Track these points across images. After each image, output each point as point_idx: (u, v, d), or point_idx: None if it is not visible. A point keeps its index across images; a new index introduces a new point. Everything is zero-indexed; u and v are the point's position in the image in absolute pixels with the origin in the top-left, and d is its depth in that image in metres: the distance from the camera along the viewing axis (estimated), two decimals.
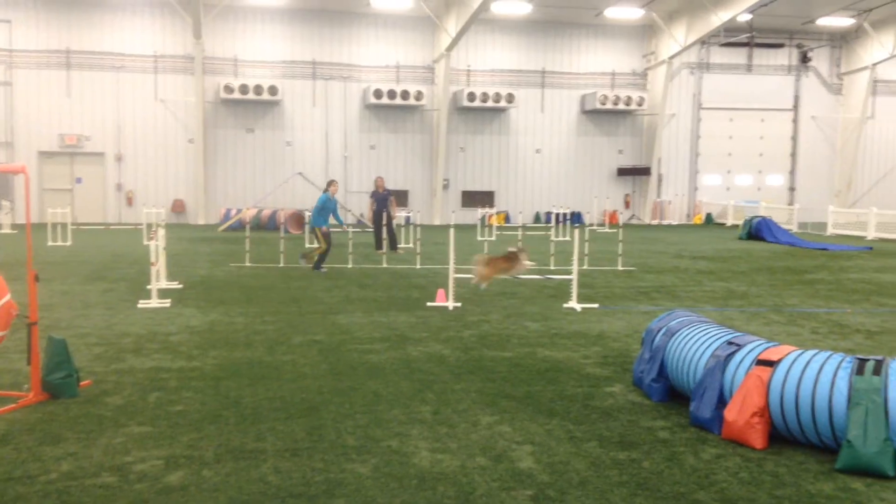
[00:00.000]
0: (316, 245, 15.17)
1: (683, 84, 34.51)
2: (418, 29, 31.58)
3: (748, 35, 33.61)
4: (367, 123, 31.82)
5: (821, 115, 35.85)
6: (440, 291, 11.35)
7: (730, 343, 5.77)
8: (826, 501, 4.44)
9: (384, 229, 18.47)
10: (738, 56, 34.77)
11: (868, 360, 5.01)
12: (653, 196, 34.24)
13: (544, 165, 33.61)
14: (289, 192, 30.56)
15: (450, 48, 29.82)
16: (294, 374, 7.09)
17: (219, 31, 29.96)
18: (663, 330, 6.58)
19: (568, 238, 20.88)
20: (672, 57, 32.06)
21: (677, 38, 31.34)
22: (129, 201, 30.02)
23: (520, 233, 18.54)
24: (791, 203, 33.99)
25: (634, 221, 34.14)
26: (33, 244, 6.73)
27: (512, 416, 5.91)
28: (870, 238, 25.17)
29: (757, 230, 24.31)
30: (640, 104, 32.67)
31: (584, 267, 15.31)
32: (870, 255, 19.95)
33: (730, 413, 5.38)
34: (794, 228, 27.94)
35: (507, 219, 32.54)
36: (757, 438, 5.24)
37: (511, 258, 11.73)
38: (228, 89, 29.24)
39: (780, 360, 5.32)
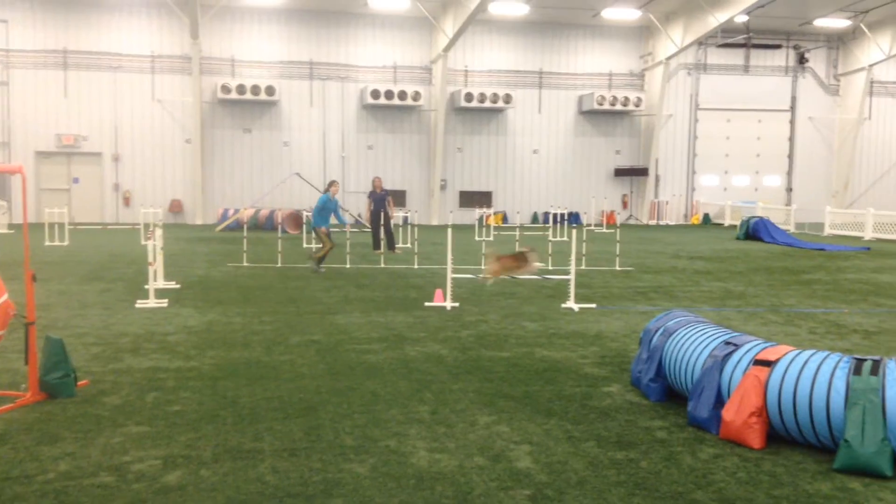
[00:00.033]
0: (321, 246, 15.21)
1: (681, 85, 34.54)
2: (415, 29, 31.58)
3: (745, 36, 33.66)
4: (364, 124, 31.82)
5: (818, 115, 35.92)
6: (438, 291, 11.35)
7: (727, 343, 5.77)
8: (824, 501, 4.45)
9: (382, 229, 18.48)
10: (735, 57, 34.81)
11: (865, 359, 5.02)
12: (650, 196, 34.27)
13: (542, 166, 33.62)
14: (286, 193, 30.53)
15: (447, 49, 29.83)
16: (292, 374, 7.08)
17: (216, 32, 29.93)
18: (661, 330, 6.59)
19: (566, 238, 20.89)
20: (669, 58, 32.09)
21: (674, 39, 31.38)
22: (127, 201, 29.98)
23: (517, 233, 18.55)
24: (788, 203, 34.06)
25: (632, 222, 34.17)
26: (30, 244, 6.72)
27: (510, 415, 5.91)
28: (867, 238, 25.22)
29: (754, 230, 24.35)
30: (637, 105, 32.70)
31: (582, 267, 15.33)
32: (867, 255, 19.98)
33: (727, 413, 5.39)
34: (791, 229, 27.96)
35: (504, 219, 32.55)
36: (755, 438, 5.24)
37: (521, 258, 11.82)
38: (226, 89, 29.22)
39: (777, 360, 5.33)
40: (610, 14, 31.30)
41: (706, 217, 34.35)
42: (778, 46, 34.92)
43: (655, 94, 33.02)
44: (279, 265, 15.61)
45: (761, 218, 25.15)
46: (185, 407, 6.01)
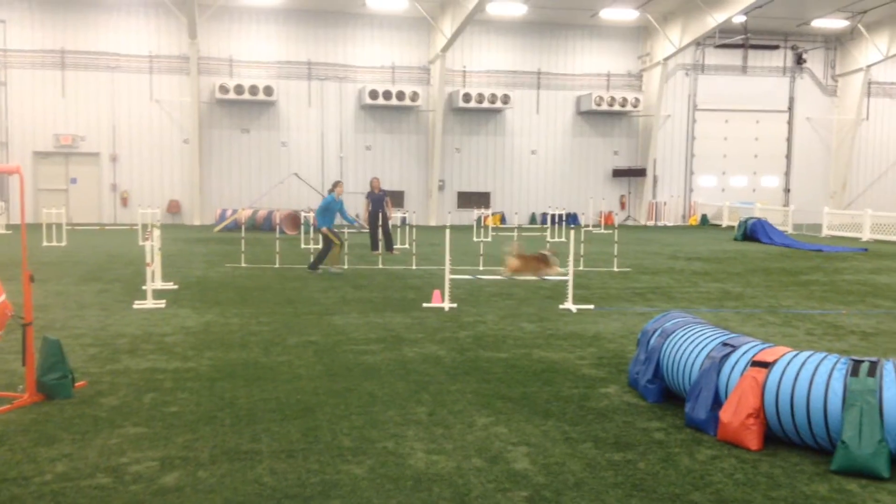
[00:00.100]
0: (321, 248, 15.24)
1: (679, 85, 34.56)
2: (413, 30, 31.57)
3: (743, 37, 33.68)
4: (362, 124, 31.80)
5: (816, 116, 35.95)
6: (436, 292, 11.35)
7: (725, 344, 5.78)
8: (821, 503, 4.45)
9: (380, 230, 18.48)
10: (733, 57, 34.83)
11: (863, 361, 5.02)
12: (648, 197, 34.28)
13: (540, 166, 33.62)
14: (284, 193, 30.52)
15: (445, 49, 29.83)
16: (289, 375, 7.08)
17: (214, 32, 29.91)
18: (659, 331, 6.59)
19: (563, 239, 20.90)
20: (667, 58, 32.11)
21: (672, 39, 31.39)
22: (125, 202, 29.94)
23: (516, 234, 18.55)
24: (786, 204, 34.08)
25: (630, 222, 34.17)
26: (28, 245, 6.71)
27: (508, 417, 5.91)
28: (865, 239, 25.24)
29: (752, 231, 24.35)
30: (635, 105, 32.71)
31: (580, 268, 15.34)
32: (865, 256, 20.00)
33: (725, 414, 5.39)
34: (789, 230, 27.99)
35: (502, 220, 32.55)
36: (752, 439, 5.25)
37: (543, 259, 11.99)
38: (224, 89, 29.20)
39: (775, 362, 5.33)
40: (608, 14, 31.31)
41: (704, 218, 34.37)
42: (776, 47, 34.96)
43: (653, 95, 33.04)
44: (277, 266, 15.61)
45: (759, 219, 25.15)
46: (183, 408, 6.01)
